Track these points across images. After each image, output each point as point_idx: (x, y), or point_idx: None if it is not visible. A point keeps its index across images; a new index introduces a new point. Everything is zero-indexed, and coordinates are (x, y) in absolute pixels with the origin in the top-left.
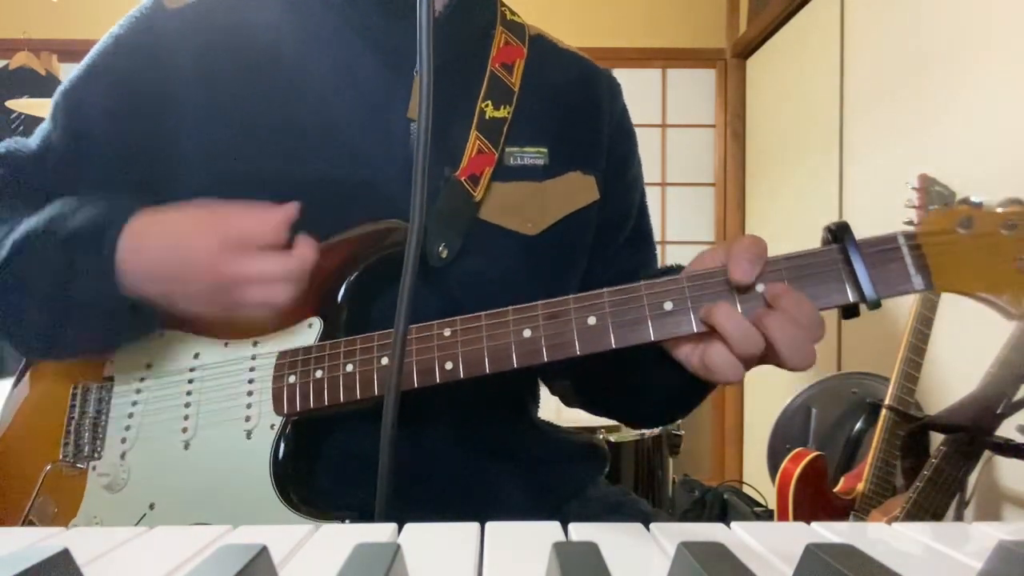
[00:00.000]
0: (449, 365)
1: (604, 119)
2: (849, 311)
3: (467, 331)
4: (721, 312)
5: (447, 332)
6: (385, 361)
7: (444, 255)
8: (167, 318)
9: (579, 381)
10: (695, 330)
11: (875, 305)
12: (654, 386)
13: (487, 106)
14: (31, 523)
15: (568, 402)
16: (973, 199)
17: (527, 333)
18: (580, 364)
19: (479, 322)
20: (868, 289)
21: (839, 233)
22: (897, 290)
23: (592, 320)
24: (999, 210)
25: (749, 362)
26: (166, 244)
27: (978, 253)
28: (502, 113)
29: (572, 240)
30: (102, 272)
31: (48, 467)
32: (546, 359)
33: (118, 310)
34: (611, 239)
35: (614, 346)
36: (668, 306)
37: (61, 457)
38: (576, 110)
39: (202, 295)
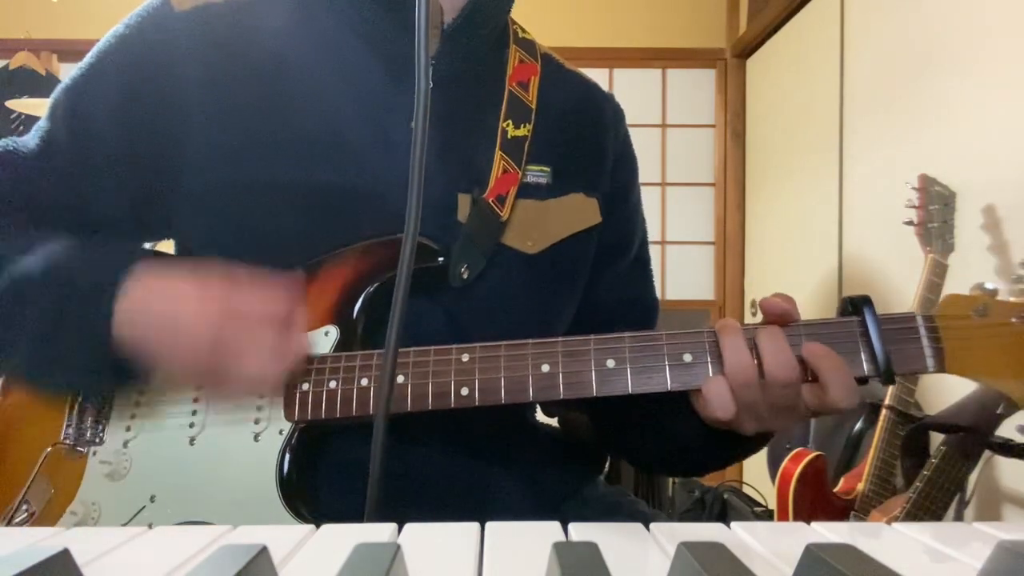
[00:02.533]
0: (465, 391)
1: (609, 143)
2: (860, 380)
3: (485, 359)
4: (726, 331)
5: (465, 358)
6: (401, 379)
7: (465, 276)
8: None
9: (596, 418)
10: None
11: (889, 382)
12: (677, 432)
13: (508, 125)
14: (26, 503)
15: (569, 431)
16: (987, 286)
17: (545, 368)
18: (599, 407)
19: (498, 351)
20: (884, 366)
21: (859, 305)
22: (910, 369)
23: (611, 363)
24: (1012, 300)
25: (744, 405)
26: (162, 315)
27: (990, 341)
28: (523, 132)
29: (571, 261)
30: (95, 333)
31: (48, 449)
32: (562, 396)
33: (105, 370)
34: (612, 264)
35: (630, 391)
36: (687, 357)
37: (62, 439)
38: (582, 132)
39: (193, 365)
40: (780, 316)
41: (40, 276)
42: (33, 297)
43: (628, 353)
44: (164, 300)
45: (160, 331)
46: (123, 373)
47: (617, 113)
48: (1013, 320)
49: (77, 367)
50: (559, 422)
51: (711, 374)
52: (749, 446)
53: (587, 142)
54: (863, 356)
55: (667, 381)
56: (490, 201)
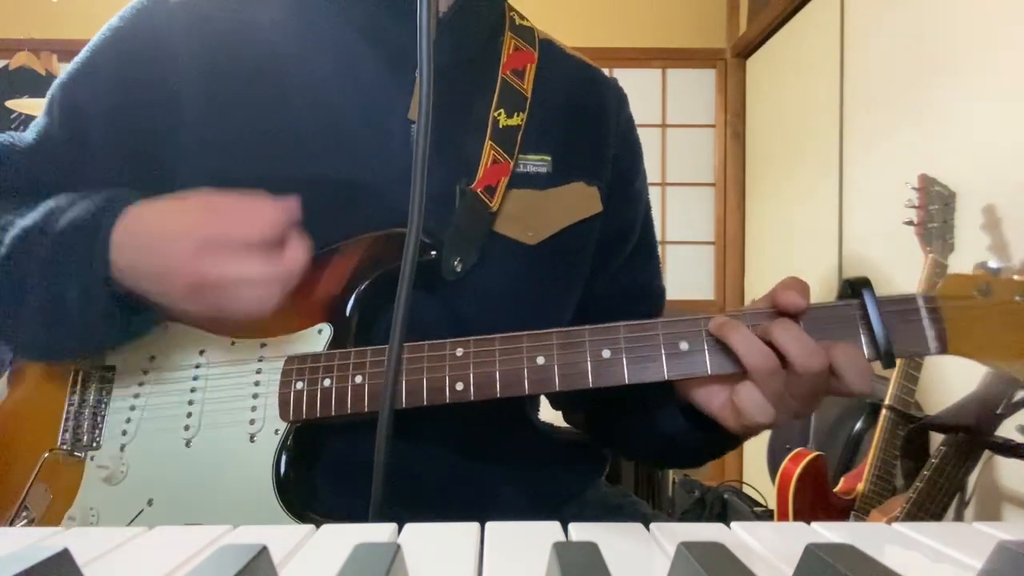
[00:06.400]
0: (460, 386)
1: (611, 129)
2: None
3: (479, 353)
4: (732, 328)
5: (459, 352)
6: None
7: (459, 269)
8: (166, 315)
9: (593, 418)
10: (708, 372)
11: (890, 365)
12: (667, 436)
13: (500, 115)
14: (26, 509)
15: (573, 424)
16: (991, 264)
17: (540, 360)
18: (595, 403)
19: (492, 345)
20: (885, 349)
21: (859, 288)
22: (912, 351)
23: (606, 353)
24: (1016, 278)
25: (775, 399)
26: (149, 241)
27: (994, 320)
28: (515, 121)
29: (572, 251)
30: (96, 268)
31: (46, 454)
32: (558, 388)
33: (113, 308)
34: (615, 252)
35: (627, 381)
36: (683, 346)
37: (59, 444)
38: (583, 119)
39: (183, 295)
40: (792, 311)
41: (36, 229)
42: (31, 250)
43: (624, 343)
44: (147, 229)
45: (144, 259)
46: (129, 310)
47: (619, 97)
48: (1017, 298)
49: (86, 311)
50: (564, 418)
51: (708, 362)
52: (738, 438)
53: (588, 129)
54: (863, 339)
55: (664, 370)
56: (479, 192)
